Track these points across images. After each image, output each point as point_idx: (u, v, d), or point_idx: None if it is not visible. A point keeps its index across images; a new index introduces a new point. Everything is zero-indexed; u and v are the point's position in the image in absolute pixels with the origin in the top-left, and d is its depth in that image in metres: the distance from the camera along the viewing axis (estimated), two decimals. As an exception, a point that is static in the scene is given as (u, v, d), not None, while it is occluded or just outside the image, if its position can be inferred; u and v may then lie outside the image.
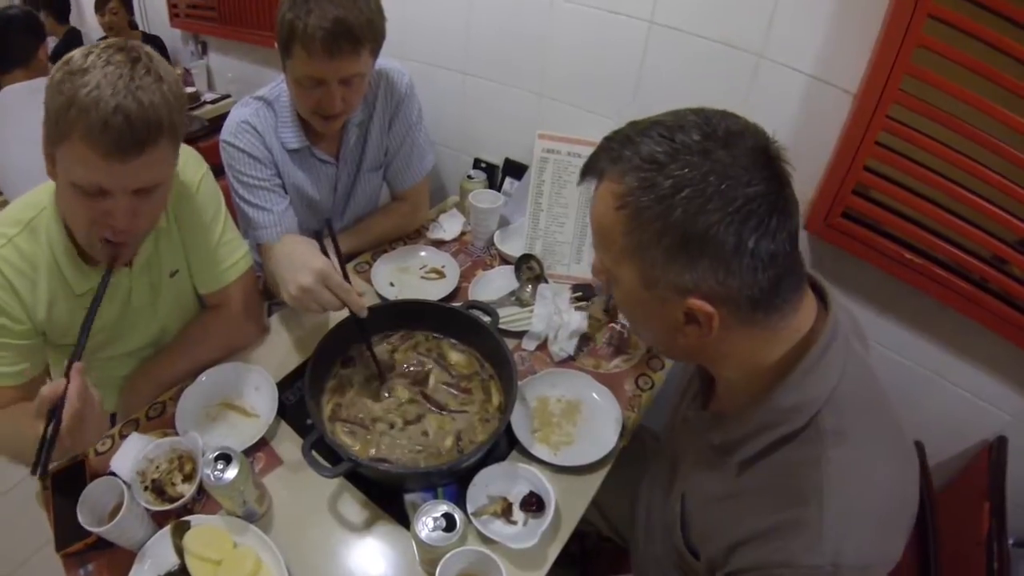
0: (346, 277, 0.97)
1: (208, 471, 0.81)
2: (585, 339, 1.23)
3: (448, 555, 0.77)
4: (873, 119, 1.02)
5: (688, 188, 0.54)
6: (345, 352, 1.08)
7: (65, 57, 0.77)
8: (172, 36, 2.84)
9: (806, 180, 1.17)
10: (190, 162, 1.04)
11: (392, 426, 0.99)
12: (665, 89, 1.26)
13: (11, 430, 0.91)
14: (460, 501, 0.89)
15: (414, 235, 1.50)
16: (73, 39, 3.17)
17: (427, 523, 0.79)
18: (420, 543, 0.79)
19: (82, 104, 0.72)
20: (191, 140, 2.00)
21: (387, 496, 0.93)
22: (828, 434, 0.61)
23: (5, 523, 1.68)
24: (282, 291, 0.98)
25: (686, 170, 0.55)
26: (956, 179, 1.02)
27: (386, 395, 1.03)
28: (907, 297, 1.15)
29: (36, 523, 1.61)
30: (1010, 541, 0.99)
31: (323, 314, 1.06)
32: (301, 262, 0.96)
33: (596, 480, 0.99)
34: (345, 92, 1.13)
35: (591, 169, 0.64)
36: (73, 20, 3.27)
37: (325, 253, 0.98)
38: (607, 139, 0.62)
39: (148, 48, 0.80)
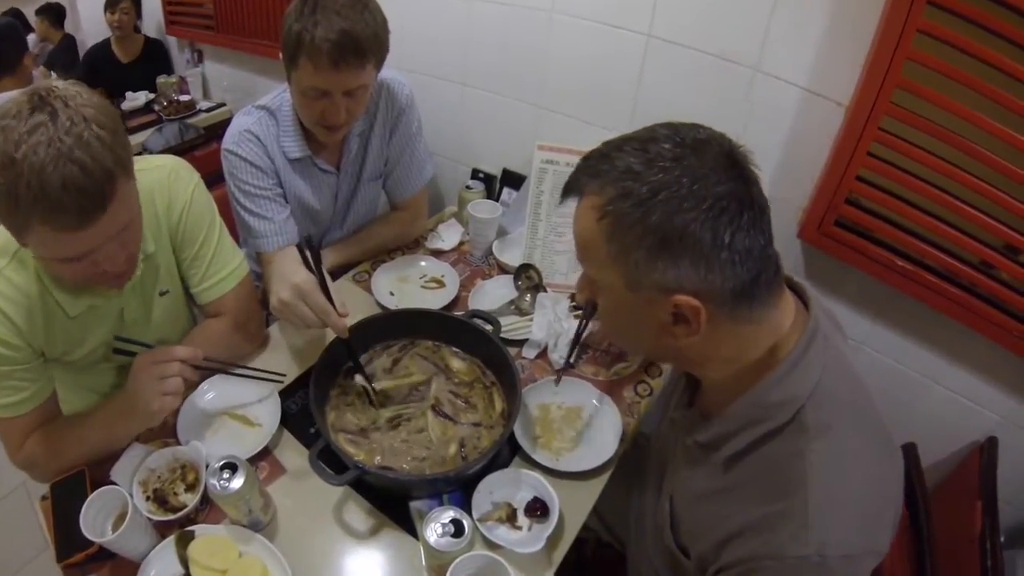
0: (328, 294, 0.97)
1: (214, 480, 0.81)
2: (584, 347, 1.24)
3: (457, 560, 0.78)
4: (865, 131, 1.05)
5: (664, 191, 0.58)
6: (348, 362, 1.08)
7: None
8: (168, 43, 2.84)
9: (799, 190, 1.20)
10: (181, 174, 1.03)
11: (394, 433, 1.00)
12: (663, 101, 1.28)
13: (48, 451, 0.93)
14: (465, 508, 0.89)
15: (413, 245, 1.51)
16: (69, 45, 3.20)
17: (436, 529, 0.80)
18: (429, 549, 0.79)
19: (28, 198, 0.67)
20: (187, 149, 2.01)
21: (392, 504, 0.93)
22: (811, 428, 0.63)
23: (1, 530, 1.66)
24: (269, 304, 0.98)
25: (660, 175, 0.59)
26: (945, 187, 1.04)
27: (389, 406, 1.04)
28: (899, 303, 1.18)
29: (32, 531, 1.60)
30: (1001, 539, 1.01)
31: (314, 330, 1.07)
32: (283, 275, 0.97)
33: (598, 485, 1.00)
34: (349, 103, 1.14)
35: (572, 187, 0.67)
36: (68, 27, 3.29)
37: (310, 267, 0.97)
38: (584, 158, 0.66)
39: (54, 87, 0.72)
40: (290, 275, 0.96)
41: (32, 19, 3.35)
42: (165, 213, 1.01)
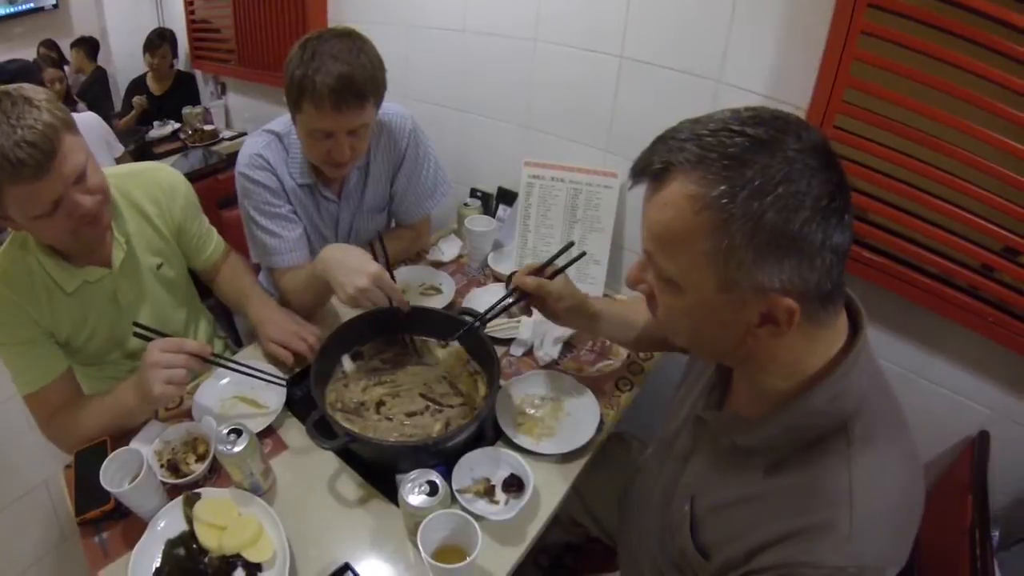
0: (393, 279, 1.15)
1: (221, 444, 0.94)
2: (569, 346, 1.35)
3: (429, 517, 0.87)
4: (821, 129, 1.14)
5: (780, 187, 0.54)
6: (348, 349, 1.22)
7: None
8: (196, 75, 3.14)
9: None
10: (164, 170, 1.29)
11: (381, 411, 1.12)
12: (637, 116, 1.42)
13: (73, 422, 1.09)
14: (447, 481, 0.99)
15: (415, 257, 1.67)
16: (100, 77, 3.52)
17: (412, 489, 0.91)
18: (405, 506, 0.90)
19: None
20: (210, 173, 2.22)
21: (381, 477, 1.04)
22: (857, 440, 0.64)
23: (20, 525, 1.80)
24: (338, 292, 1.14)
25: (772, 168, 0.55)
26: (909, 181, 1.12)
27: (384, 389, 1.17)
28: (874, 298, 1.21)
29: (49, 526, 1.74)
30: (994, 532, 1.02)
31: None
32: (357, 266, 1.12)
33: (575, 468, 1.10)
34: (353, 141, 1.24)
35: (648, 168, 0.62)
36: (100, 60, 3.61)
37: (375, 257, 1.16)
38: (666, 138, 0.61)
39: (4, 89, 0.93)
40: (364, 265, 1.12)
41: (67, 51, 3.68)
42: (164, 204, 1.24)
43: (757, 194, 0.55)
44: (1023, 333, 1.09)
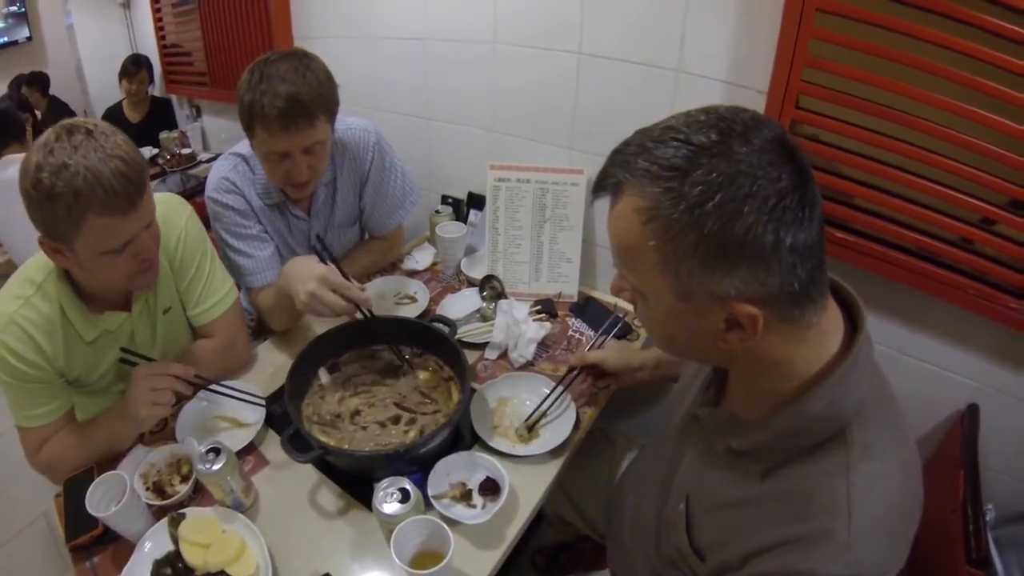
0: (345, 277, 1.18)
1: (200, 464, 1.00)
2: (543, 346, 1.41)
3: (401, 525, 0.92)
4: (783, 111, 1.17)
5: (719, 194, 0.55)
6: (324, 362, 1.27)
7: (33, 166, 0.93)
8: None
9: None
10: (174, 207, 1.25)
11: (357, 422, 1.18)
12: (599, 111, 1.48)
13: (62, 452, 1.13)
14: (423, 487, 1.04)
15: (389, 267, 1.73)
16: (59, 107, 3.60)
17: (385, 497, 0.96)
18: (379, 515, 0.95)
19: (86, 190, 0.91)
20: (188, 197, 2.29)
21: (359, 487, 1.10)
22: (856, 446, 0.64)
23: (21, 558, 1.87)
24: (296, 302, 1.19)
25: (713, 175, 0.56)
26: (879, 158, 1.14)
27: (359, 400, 1.23)
28: (852, 279, 1.23)
29: (50, 559, 1.80)
30: (988, 507, 1.05)
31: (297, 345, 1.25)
32: (304, 272, 1.17)
33: (553, 468, 1.15)
34: (310, 160, 1.29)
35: (604, 184, 0.64)
36: (77, 93, 3.68)
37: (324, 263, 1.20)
38: (618, 151, 0.63)
39: (83, 120, 0.98)
40: (310, 269, 1.16)
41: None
42: (163, 243, 1.23)
43: (698, 203, 0.56)
44: (1005, 304, 1.11)
